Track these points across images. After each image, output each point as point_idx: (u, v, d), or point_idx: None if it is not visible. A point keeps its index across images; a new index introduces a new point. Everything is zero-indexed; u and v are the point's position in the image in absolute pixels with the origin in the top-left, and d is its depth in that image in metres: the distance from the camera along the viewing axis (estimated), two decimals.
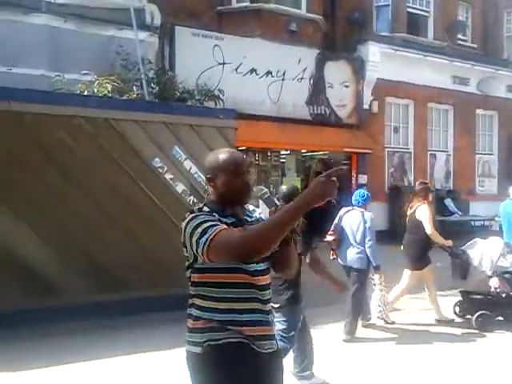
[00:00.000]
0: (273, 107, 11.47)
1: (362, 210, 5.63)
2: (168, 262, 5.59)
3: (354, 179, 13.10)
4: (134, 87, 7.23)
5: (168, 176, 6.38)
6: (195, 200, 6.69)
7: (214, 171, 2.16)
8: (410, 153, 14.21)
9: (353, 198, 5.81)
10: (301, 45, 11.62)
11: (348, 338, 5.39)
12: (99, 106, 5.95)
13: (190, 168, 6.53)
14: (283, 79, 11.54)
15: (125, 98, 6.76)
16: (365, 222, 5.50)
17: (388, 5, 13.65)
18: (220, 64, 10.63)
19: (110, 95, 6.68)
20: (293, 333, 3.85)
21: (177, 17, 10.26)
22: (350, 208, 5.74)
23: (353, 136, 12.75)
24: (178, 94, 8.17)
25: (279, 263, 2.21)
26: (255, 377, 2.11)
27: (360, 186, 12.91)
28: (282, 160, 12.41)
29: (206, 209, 2.14)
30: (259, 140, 10.75)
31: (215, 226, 2.01)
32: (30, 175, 5.48)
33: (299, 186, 12.50)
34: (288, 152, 12.40)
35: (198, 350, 2.09)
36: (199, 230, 2.01)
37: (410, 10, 14.11)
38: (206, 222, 2.03)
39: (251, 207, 2.28)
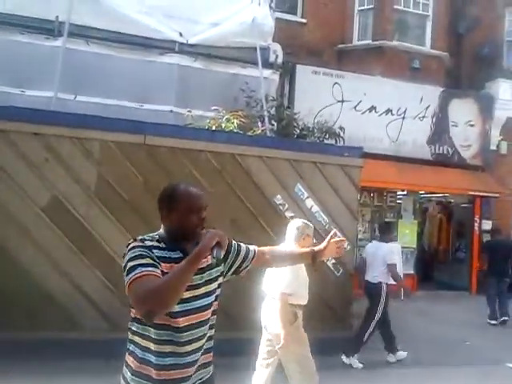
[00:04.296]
0: (391, 146, 11.06)
1: None
2: None
3: (476, 225, 12.09)
4: (259, 123, 7.26)
5: (288, 214, 6.24)
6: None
7: (169, 204, 2.07)
8: None
9: None
10: (423, 82, 11.17)
11: None
12: (226, 142, 6.02)
13: (311, 207, 6.34)
14: (403, 117, 11.12)
15: (249, 134, 6.79)
16: None
17: None
18: (339, 102, 10.51)
19: (235, 131, 6.76)
20: None
21: (298, 55, 10.36)
22: None
23: (477, 178, 11.82)
24: (298, 130, 8.12)
25: None
26: None
27: (484, 232, 11.96)
28: (398, 201, 11.80)
29: (149, 240, 2.05)
30: (375, 179, 10.29)
31: (143, 266, 1.93)
32: None
33: (416, 230, 11.88)
34: (405, 193, 11.78)
35: None
36: (130, 264, 1.96)
37: None
38: (139, 257, 1.97)
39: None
